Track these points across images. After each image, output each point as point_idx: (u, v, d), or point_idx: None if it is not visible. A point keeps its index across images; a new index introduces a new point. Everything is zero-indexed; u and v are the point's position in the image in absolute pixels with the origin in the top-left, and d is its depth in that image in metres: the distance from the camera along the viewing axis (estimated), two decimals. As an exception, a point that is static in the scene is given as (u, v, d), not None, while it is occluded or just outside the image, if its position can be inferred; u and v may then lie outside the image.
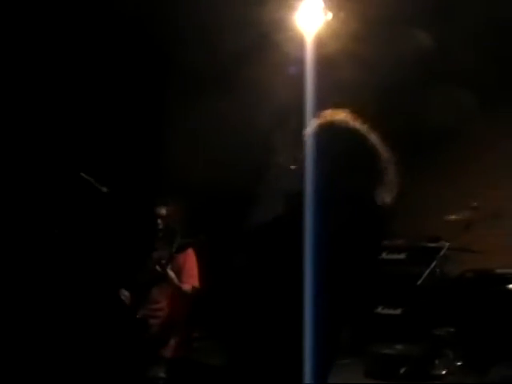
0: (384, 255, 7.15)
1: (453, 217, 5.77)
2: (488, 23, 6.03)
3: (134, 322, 5.51)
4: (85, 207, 5.91)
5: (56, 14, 6.20)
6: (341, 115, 2.77)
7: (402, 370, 5.67)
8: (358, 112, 2.80)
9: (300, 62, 5.90)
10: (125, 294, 5.68)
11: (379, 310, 6.88)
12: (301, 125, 3.00)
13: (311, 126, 2.79)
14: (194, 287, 5.56)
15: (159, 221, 5.75)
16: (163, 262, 5.45)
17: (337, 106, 2.86)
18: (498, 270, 5.98)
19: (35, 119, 6.41)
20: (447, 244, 5.38)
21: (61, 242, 5.38)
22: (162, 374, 5.38)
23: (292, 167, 2.82)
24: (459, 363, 5.21)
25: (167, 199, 5.86)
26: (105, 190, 5.30)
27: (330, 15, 6.05)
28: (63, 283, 5.74)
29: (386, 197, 2.70)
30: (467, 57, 6.21)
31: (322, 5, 6.01)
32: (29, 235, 5.88)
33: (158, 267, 5.45)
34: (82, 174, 5.26)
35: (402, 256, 7.01)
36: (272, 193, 2.78)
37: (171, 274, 5.49)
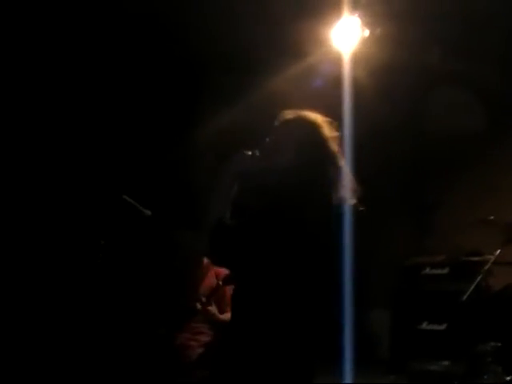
0: (427, 270, 7.11)
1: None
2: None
3: (170, 350, 5.49)
4: (128, 230, 5.93)
5: (84, 16, 6.26)
6: (305, 113, 2.82)
7: (452, 387, 5.60)
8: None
9: (337, 78, 6.00)
10: (162, 332, 5.65)
11: (423, 325, 6.80)
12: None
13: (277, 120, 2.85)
14: None
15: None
16: (204, 299, 5.38)
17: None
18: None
19: (81, 141, 6.54)
20: (492, 257, 5.30)
21: (106, 258, 5.38)
22: None
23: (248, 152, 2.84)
24: (508, 378, 5.11)
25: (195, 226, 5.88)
26: (148, 213, 5.24)
27: (366, 32, 6.09)
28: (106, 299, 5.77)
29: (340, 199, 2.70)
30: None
31: (359, 22, 6.06)
32: (74, 248, 5.95)
33: (198, 305, 5.38)
34: (125, 197, 5.24)
35: (444, 271, 6.95)
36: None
37: (212, 310, 5.40)
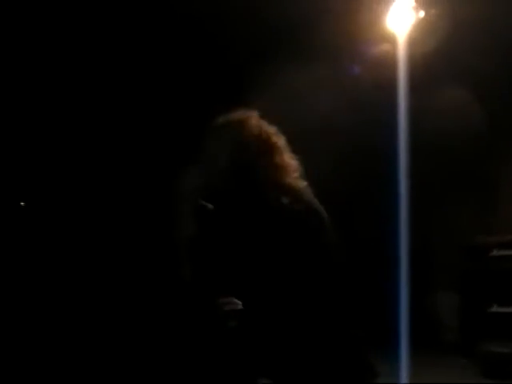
0: (495, 252, 6.97)
1: None
2: None
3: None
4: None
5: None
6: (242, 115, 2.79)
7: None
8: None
9: (393, 60, 5.95)
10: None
11: (493, 308, 6.68)
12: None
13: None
14: None
15: None
16: None
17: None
18: None
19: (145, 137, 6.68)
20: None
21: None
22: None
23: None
24: None
25: None
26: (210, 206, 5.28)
27: (421, 13, 6.02)
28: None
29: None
30: None
31: (414, 3, 5.99)
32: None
33: None
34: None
35: (513, 252, 6.81)
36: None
37: None
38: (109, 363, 5.60)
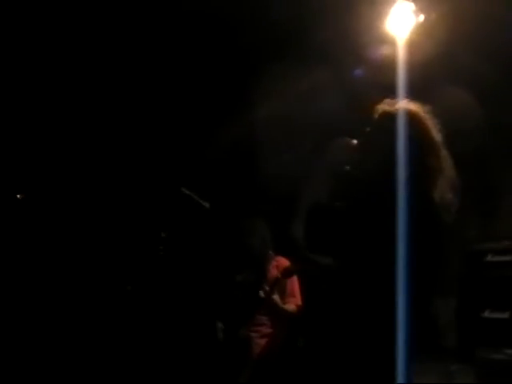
0: (489, 257, 6.96)
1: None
2: None
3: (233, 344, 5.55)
4: (187, 222, 5.97)
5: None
6: (404, 105, 2.77)
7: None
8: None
9: (392, 65, 5.93)
10: (219, 325, 5.72)
11: (486, 313, 6.67)
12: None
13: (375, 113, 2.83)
14: (297, 306, 5.54)
15: (248, 237, 5.78)
16: (267, 288, 5.41)
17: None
18: None
19: (140, 133, 6.65)
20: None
21: (167, 250, 5.43)
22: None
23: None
24: None
25: (255, 212, 5.89)
26: (207, 205, 5.26)
27: (421, 17, 6.00)
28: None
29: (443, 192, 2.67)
30: None
31: (413, 7, 5.97)
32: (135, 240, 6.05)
33: (261, 293, 5.42)
34: (183, 189, 5.29)
35: (508, 258, 6.80)
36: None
37: (276, 298, 5.45)
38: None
